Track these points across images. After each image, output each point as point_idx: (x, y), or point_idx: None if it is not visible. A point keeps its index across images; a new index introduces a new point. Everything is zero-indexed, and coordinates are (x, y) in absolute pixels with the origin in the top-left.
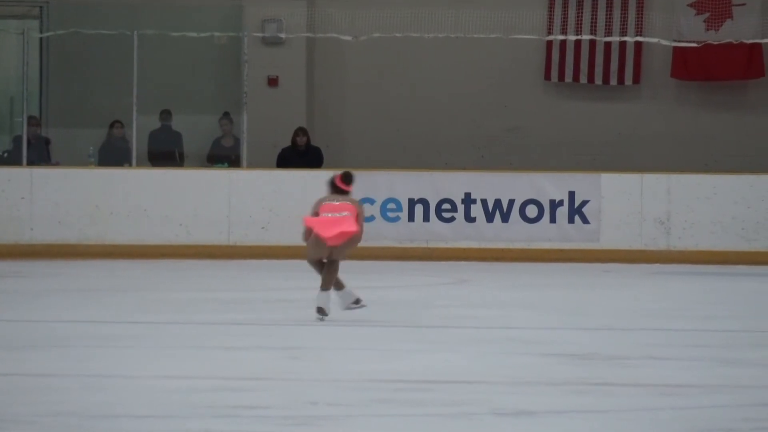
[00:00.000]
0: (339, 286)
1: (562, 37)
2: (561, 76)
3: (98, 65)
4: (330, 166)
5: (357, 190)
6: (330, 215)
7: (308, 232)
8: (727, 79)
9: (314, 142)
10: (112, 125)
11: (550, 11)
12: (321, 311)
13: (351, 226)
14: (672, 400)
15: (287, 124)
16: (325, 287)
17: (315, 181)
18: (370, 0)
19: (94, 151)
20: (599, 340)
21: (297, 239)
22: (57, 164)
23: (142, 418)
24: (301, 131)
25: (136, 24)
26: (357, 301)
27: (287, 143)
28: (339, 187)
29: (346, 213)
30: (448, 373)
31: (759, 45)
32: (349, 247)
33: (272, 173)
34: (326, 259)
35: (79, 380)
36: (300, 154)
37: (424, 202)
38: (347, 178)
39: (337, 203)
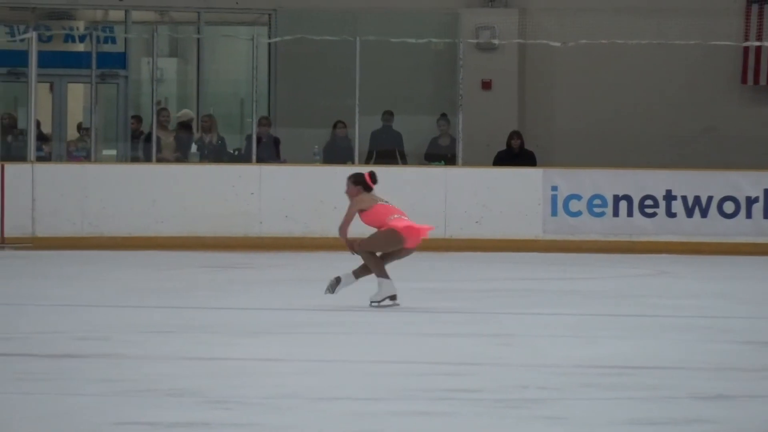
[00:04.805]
0: (365, 273)
1: (758, 44)
2: (756, 80)
3: (323, 69)
4: (540, 165)
5: (564, 186)
6: (398, 216)
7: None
8: None
9: (525, 142)
10: (335, 125)
11: (747, 18)
12: (394, 298)
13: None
14: None
15: (500, 124)
16: (384, 275)
17: (526, 179)
18: (578, 8)
19: (319, 150)
20: None
21: (509, 233)
22: (284, 162)
23: (361, 401)
24: (515, 134)
25: (358, 30)
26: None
27: (500, 142)
28: (370, 186)
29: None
30: (648, 359)
31: None
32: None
33: (486, 171)
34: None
35: (300, 365)
36: (514, 157)
37: (628, 198)
38: (375, 178)
39: (392, 205)
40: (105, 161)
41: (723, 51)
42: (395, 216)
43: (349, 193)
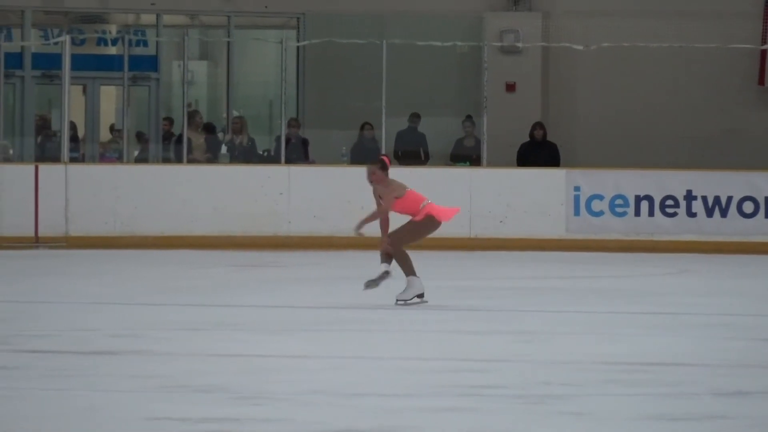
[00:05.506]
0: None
1: None
2: None
3: (350, 71)
4: (563, 165)
5: (586, 187)
6: (429, 202)
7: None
8: None
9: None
10: (362, 127)
11: (765, 21)
12: (422, 296)
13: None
14: None
15: (524, 126)
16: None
17: (549, 179)
18: (600, 12)
19: (347, 151)
20: None
21: (532, 232)
22: (313, 162)
23: (388, 397)
24: (538, 125)
25: (384, 33)
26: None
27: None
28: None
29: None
30: (669, 356)
31: None
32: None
33: (510, 171)
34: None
35: (329, 361)
36: (537, 146)
37: (649, 198)
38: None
39: (415, 190)
40: (137, 162)
41: (742, 53)
42: (427, 202)
43: (376, 179)
